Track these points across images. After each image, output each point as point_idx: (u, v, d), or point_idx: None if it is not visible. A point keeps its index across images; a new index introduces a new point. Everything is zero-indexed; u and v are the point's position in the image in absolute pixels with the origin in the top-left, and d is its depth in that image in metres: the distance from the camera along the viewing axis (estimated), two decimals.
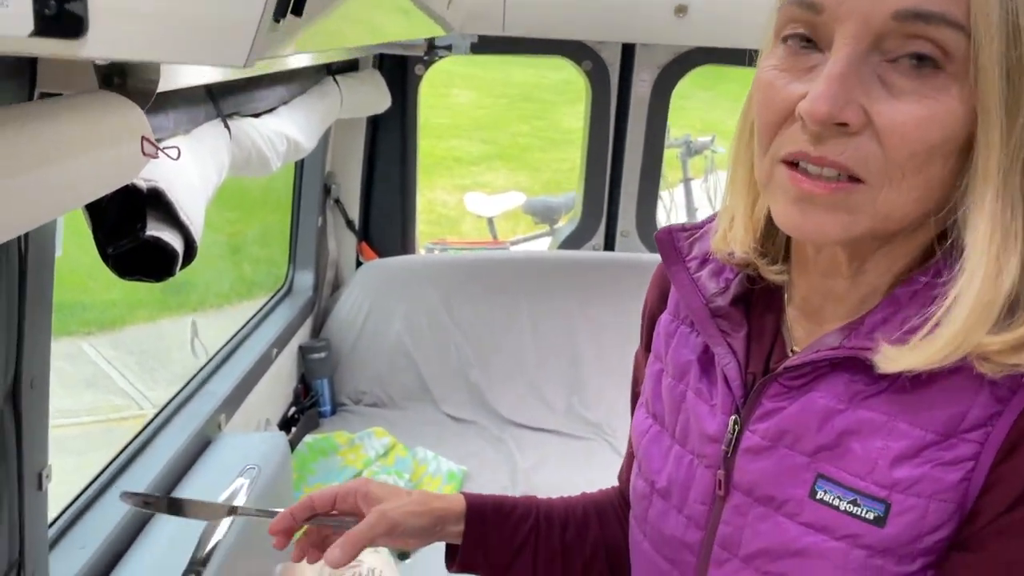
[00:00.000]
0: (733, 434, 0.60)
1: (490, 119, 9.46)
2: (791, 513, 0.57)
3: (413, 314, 2.28)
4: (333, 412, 2.21)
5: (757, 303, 0.64)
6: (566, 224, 2.69)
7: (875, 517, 0.53)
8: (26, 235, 0.81)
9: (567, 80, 7.70)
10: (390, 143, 2.36)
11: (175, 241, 0.87)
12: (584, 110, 2.39)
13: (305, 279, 2.23)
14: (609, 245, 2.49)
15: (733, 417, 0.61)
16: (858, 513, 0.54)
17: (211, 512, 0.82)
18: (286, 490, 1.60)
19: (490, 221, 3.89)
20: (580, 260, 2.36)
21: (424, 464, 1.92)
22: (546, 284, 2.30)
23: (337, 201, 2.29)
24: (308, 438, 1.95)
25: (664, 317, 0.70)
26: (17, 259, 0.82)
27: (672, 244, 0.67)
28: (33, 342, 0.88)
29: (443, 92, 9.43)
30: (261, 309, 2.11)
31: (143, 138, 0.67)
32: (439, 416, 2.23)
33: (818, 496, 0.56)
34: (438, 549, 0.79)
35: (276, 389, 2.06)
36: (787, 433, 0.58)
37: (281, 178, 2.39)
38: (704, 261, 0.66)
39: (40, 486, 0.96)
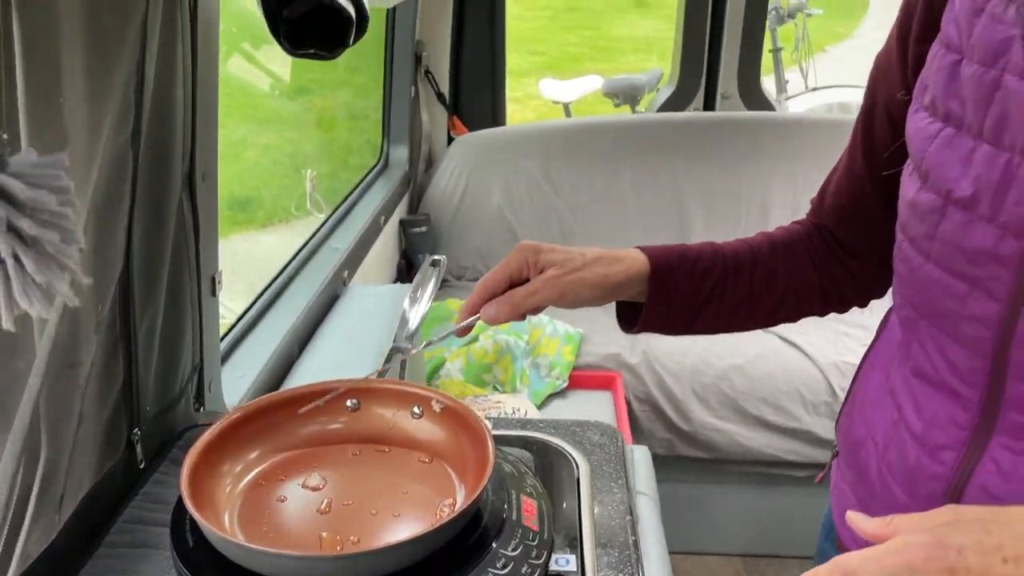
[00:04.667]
0: None
1: (535, 32, 9.17)
2: None
3: (512, 185, 2.21)
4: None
5: None
6: (660, 90, 2.56)
7: None
8: (193, 33, 0.77)
9: None
10: (478, 5, 2.26)
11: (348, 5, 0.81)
12: None
13: (400, 153, 2.17)
14: (709, 110, 2.38)
15: None
16: None
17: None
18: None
19: (566, 108, 3.75)
20: (683, 121, 2.25)
21: (540, 327, 1.87)
22: (648, 148, 2.20)
23: (428, 72, 2.21)
24: None
25: None
26: (191, 56, 0.78)
27: None
28: (204, 138, 0.86)
29: None
30: (360, 183, 2.06)
31: None
32: None
33: None
34: None
35: (383, 265, 2.02)
36: None
37: (333, 99, 2.37)
38: None
39: (214, 291, 0.94)
